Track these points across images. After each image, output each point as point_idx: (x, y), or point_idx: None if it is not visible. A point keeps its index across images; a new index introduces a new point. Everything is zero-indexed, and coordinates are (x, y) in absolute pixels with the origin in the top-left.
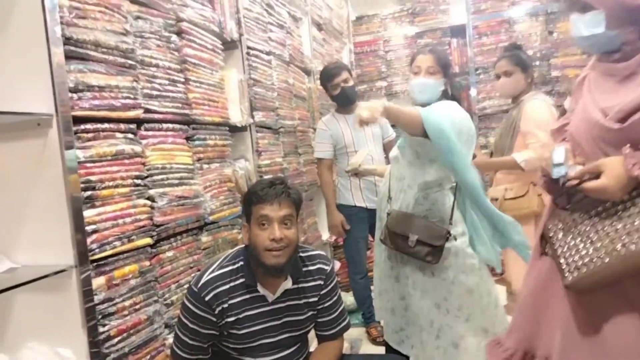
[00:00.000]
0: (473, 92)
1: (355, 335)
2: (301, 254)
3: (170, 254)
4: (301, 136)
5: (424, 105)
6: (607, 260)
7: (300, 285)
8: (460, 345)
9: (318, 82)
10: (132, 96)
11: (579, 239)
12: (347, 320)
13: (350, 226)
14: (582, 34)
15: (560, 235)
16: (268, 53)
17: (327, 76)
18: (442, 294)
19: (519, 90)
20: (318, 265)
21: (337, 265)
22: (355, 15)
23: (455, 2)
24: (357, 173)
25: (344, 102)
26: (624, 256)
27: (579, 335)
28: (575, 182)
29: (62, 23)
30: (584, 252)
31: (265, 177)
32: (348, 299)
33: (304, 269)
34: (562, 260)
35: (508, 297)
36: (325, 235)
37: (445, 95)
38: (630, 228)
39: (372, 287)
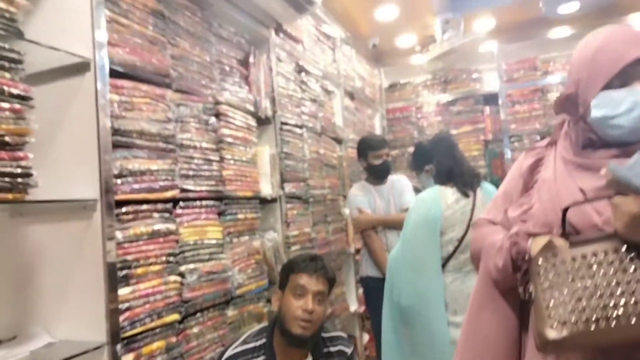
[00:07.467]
0: (508, 153)
1: None
2: (323, 335)
3: (196, 329)
4: (330, 204)
5: None
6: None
7: None
8: None
9: (349, 149)
10: (170, 178)
11: (578, 284)
12: None
13: (377, 298)
14: None
15: (551, 276)
16: (300, 127)
17: (371, 146)
18: None
19: None
20: (339, 347)
21: (366, 338)
22: (388, 83)
23: (487, 70)
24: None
25: (382, 174)
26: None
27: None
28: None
29: (111, 116)
30: (580, 305)
31: (293, 247)
32: None
33: (325, 349)
34: (545, 308)
35: None
36: (354, 307)
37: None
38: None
39: None
